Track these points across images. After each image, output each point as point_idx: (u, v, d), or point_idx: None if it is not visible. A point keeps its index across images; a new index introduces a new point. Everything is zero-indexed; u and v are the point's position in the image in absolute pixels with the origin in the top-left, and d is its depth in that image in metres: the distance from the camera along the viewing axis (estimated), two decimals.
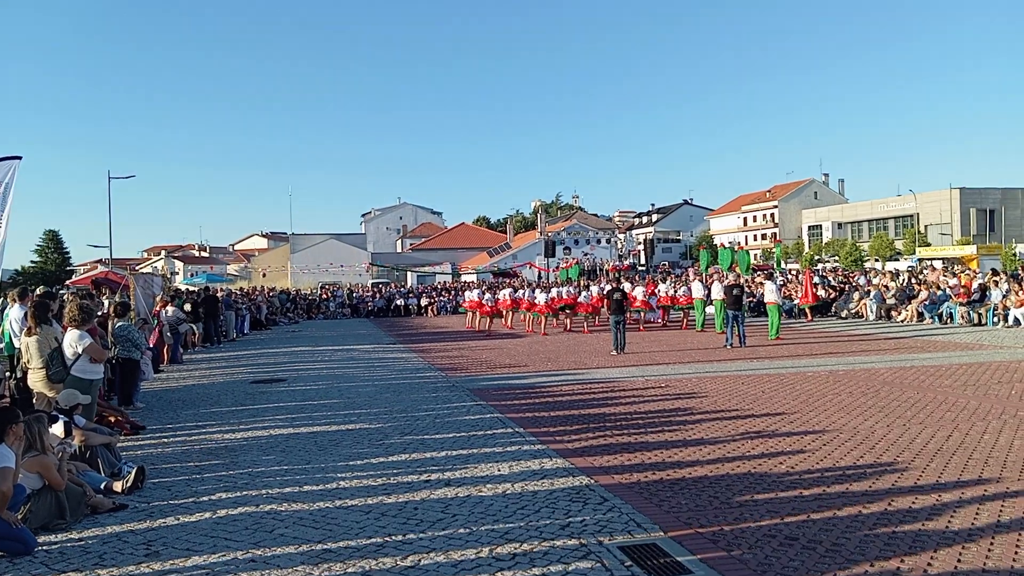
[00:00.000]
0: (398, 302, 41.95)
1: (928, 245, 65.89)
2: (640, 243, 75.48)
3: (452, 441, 8.56)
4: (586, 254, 64.18)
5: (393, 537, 5.36)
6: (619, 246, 67.64)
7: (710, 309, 23.87)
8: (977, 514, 5.52)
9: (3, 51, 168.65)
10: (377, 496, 6.43)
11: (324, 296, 44.39)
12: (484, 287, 31.81)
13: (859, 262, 64.57)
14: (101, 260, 61.47)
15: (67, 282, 44.43)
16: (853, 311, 27.60)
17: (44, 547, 5.43)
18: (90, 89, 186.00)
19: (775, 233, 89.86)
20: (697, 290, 24.19)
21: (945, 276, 28.25)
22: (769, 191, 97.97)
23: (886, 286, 27.84)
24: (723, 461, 7.33)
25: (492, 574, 4.64)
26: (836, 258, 70.46)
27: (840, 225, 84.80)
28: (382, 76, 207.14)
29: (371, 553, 5.06)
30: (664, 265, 70.31)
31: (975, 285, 24.26)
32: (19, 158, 10.48)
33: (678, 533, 5.27)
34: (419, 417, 10.15)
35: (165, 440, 9.19)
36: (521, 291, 28.09)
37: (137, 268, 55.01)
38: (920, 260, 53.16)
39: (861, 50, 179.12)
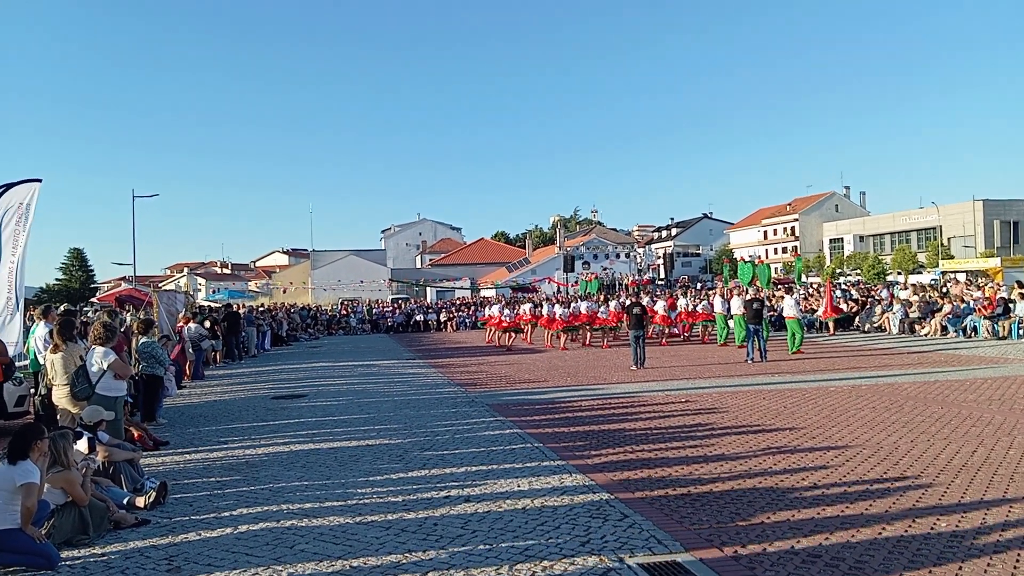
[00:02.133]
0: (418, 317, 42.04)
1: (951, 258, 65.13)
2: (659, 257, 75.37)
3: (472, 457, 8.55)
4: (605, 269, 64.08)
5: (413, 553, 5.37)
6: (638, 260, 67.57)
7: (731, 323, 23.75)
8: (1004, 530, 5.44)
9: (29, 72, 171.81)
10: (397, 512, 6.44)
11: (344, 312, 44.60)
12: (503, 303, 31.84)
13: (881, 275, 63.96)
14: (125, 277, 62.19)
15: (91, 299, 44.95)
16: (876, 324, 27.34)
17: (67, 562, 5.49)
18: (114, 110, 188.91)
19: (796, 247, 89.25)
20: (718, 304, 24.09)
21: (969, 289, 27.92)
22: (790, 204, 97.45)
23: (908, 301, 27.54)
24: (744, 477, 7.27)
25: None
26: (858, 271, 69.85)
27: (862, 238, 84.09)
28: (401, 93, 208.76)
29: (391, 569, 5.06)
30: (684, 279, 69.97)
31: (999, 298, 23.96)
32: (39, 181, 10.70)
33: (699, 550, 5.23)
34: (439, 433, 10.16)
35: (187, 456, 9.26)
36: (540, 306, 28.09)
37: (160, 285, 55.56)
38: (943, 273, 52.57)
39: (883, 63, 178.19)
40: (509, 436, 9.73)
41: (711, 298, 26.16)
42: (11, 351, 10.03)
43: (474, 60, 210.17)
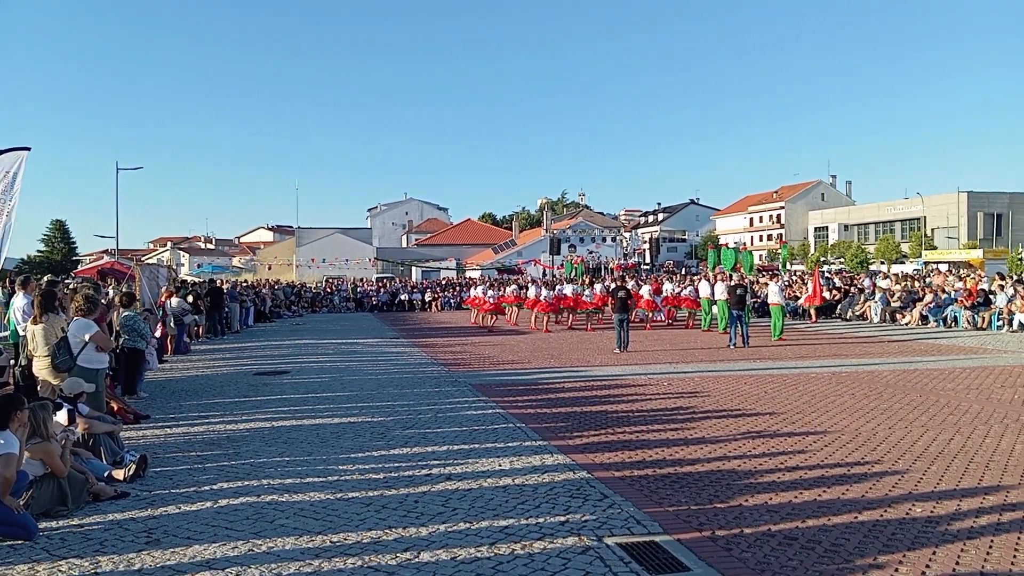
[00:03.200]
0: (402, 297, 41.99)
1: (934, 248, 65.70)
2: (645, 242, 75.46)
3: (454, 436, 8.57)
4: (591, 252, 64.10)
5: (394, 530, 5.38)
6: (624, 244, 67.67)
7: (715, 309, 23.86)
8: (977, 516, 5.52)
9: (13, 43, 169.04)
10: (378, 489, 6.45)
11: (328, 290, 44.49)
12: (487, 284, 31.80)
13: (864, 264, 64.39)
14: (107, 250, 61.56)
15: (73, 272, 44.53)
16: (858, 313, 27.56)
17: (45, 533, 5.46)
18: (99, 81, 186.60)
19: (781, 234, 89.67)
20: (703, 289, 24.19)
21: (951, 280, 28.18)
22: (776, 192, 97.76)
23: (891, 290, 27.75)
24: (724, 460, 7.34)
25: (491, 569, 4.65)
26: (842, 260, 70.28)
27: (846, 227, 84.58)
28: (389, 71, 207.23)
29: (371, 546, 5.08)
30: (669, 264, 70.17)
31: (980, 289, 24.20)
32: (27, 149, 10.53)
33: (678, 532, 5.27)
34: (421, 411, 10.17)
35: (168, 430, 9.23)
36: (526, 288, 28.11)
37: (143, 259, 55.12)
38: (926, 263, 53.02)
39: (871, 52, 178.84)
40: (491, 416, 9.76)
41: (696, 283, 26.24)
42: None
43: (464, 39, 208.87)
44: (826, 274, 37.12)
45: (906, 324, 24.91)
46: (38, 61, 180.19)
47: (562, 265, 48.60)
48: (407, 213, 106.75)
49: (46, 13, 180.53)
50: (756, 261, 33.02)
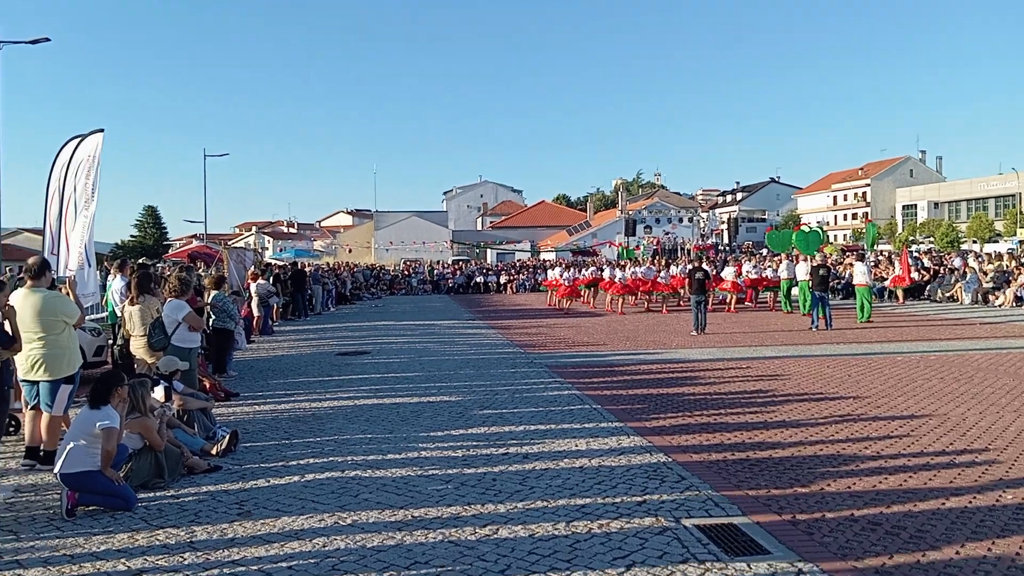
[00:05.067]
0: (478, 279, 42.37)
1: None
2: (724, 222, 74.03)
3: (530, 416, 8.66)
4: (667, 233, 63.21)
5: (472, 506, 5.50)
6: (702, 225, 66.44)
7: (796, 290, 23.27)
8: None
9: (106, 29, 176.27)
10: (457, 467, 6.59)
11: (406, 272, 45.22)
12: (564, 265, 31.78)
13: (955, 243, 61.74)
14: (196, 235, 63.89)
15: (164, 255, 46.40)
16: (947, 295, 26.49)
17: (143, 504, 5.77)
18: (189, 70, 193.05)
19: (867, 213, 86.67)
20: (784, 270, 23.63)
21: None
22: (862, 168, 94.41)
23: (983, 270, 26.56)
24: (805, 444, 7.21)
25: (568, 547, 4.71)
26: (931, 239, 67.54)
27: (936, 205, 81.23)
28: (464, 55, 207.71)
29: (451, 521, 5.20)
30: (747, 245, 68.63)
31: None
32: (102, 131, 10.98)
33: (757, 514, 5.23)
34: (498, 392, 10.29)
35: (256, 407, 9.60)
36: (602, 270, 27.96)
37: (230, 243, 57.04)
38: (1021, 242, 50.45)
39: (962, 20, 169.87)
40: (567, 397, 9.81)
41: (776, 264, 25.63)
42: (87, 303, 10.43)
43: (538, 20, 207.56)
44: (915, 254, 35.76)
45: (999, 306, 23.81)
46: (127, 51, 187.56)
47: (638, 246, 48.04)
48: (482, 195, 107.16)
49: (134, 6, 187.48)
50: (834, 241, 31.82)
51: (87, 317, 9.52)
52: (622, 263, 30.59)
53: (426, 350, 15.28)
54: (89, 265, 10.58)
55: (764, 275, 25.33)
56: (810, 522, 5.08)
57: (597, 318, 22.88)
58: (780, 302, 24.24)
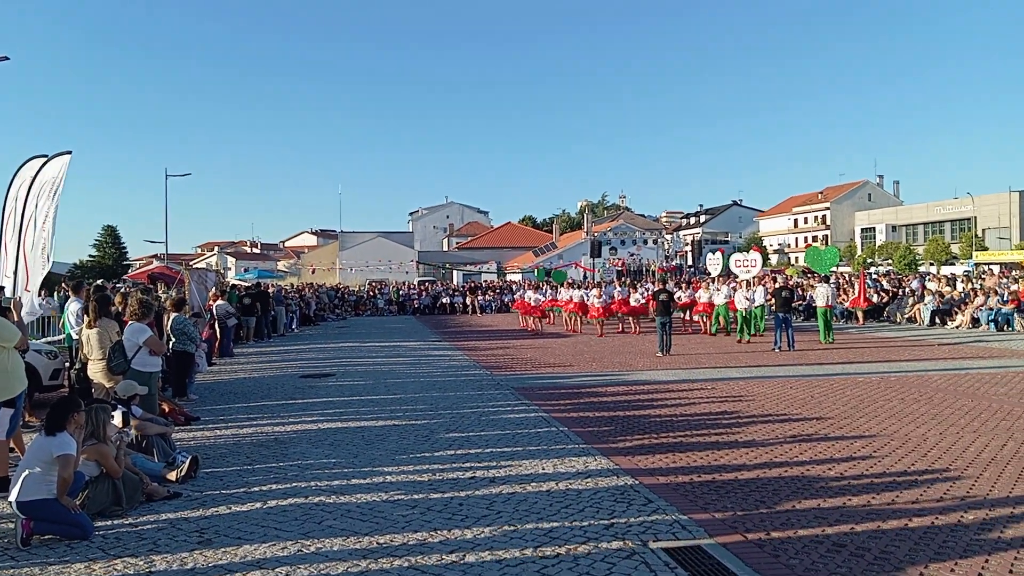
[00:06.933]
0: (444, 300, 42.27)
1: (985, 249, 64.05)
2: (687, 244, 74.81)
3: (497, 439, 8.61)
4: (632, 255, 63.75)
5: (439, 532, 5.43)
6: (666, 247, 67.15)
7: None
8: None
9: (65, 52, 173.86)
10: (423, 491, 6.52)
11: (371, 293, 44.92)
12: (533, 286, 31.81)
13: (913, 266, 63.05)
14: (157, 255, 62.97)
15: (124, 276, 45.61)
16: (906, 316, 26.98)
17: (101, 532, 5.62)
18: (146, 90, 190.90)
19: (827, 236, 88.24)
20: (723, 296, 22.82)
21: (1004, 281, 27.44)
22: (821, 192, 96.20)
23: (940, 292, 27.11)
24: (770, 465, 7.26)
25: (536, 572, 4.67)
26: (889, 261, 68.90)
27: (894, 228, 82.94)
28: (431, 77, 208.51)
29: (417, 548, 5.13)
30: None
31: None
32: (69, 153, 10.83)
33: (723, 536, 5.24)
34: (464, 414, 10.23)
35: (218, 431, 9.42)
36: (570, 291, 27.99)
37: (191, 263, 56.30)
38: (977, 265, 51.72)
39: (918, 51, 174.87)
40: (534, 419, 9.78)
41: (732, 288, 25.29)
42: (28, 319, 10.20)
43: (504, 42, 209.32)
44: (874, 276, 36.36)
45: (957, 327, 24.32)
46: (87, 71, 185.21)
47: (598, 268, 48.27)
48: (448, 216, 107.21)
49: (95, 26, 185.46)
50: (794, 263, 32.06)
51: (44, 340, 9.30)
52: (592, 284, 30.62)
53: (391, 372, 15.16)
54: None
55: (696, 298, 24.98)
56: (776, 543, 5.10)
57: (563, 339, 22.91)
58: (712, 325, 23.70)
